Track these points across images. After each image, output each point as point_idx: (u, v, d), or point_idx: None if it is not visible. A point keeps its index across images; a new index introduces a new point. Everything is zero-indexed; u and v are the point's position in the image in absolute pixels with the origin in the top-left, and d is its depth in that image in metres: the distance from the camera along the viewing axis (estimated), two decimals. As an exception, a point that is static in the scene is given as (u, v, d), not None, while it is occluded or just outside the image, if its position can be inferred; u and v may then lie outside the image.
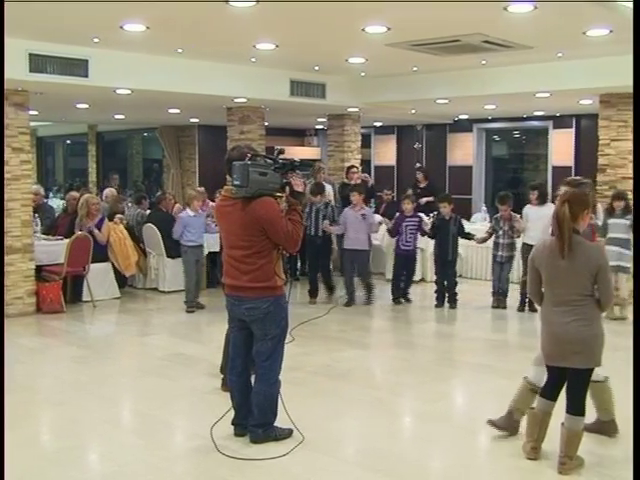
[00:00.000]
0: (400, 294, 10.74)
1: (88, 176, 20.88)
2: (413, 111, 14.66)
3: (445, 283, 10.51)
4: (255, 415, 5.24)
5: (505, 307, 10.28)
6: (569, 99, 12.14)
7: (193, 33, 8.40)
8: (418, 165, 17.13)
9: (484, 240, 10.40)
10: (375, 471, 4.86)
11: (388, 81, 11.99)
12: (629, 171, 10.59)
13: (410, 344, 8.67)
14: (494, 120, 16.99)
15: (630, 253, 9.44)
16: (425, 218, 11.18)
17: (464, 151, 17.54)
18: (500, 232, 10.14)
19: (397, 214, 10.95)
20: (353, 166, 13.09)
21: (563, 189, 5.30)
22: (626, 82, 9.78)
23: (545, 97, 11.46)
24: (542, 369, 5.09)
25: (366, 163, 17.42)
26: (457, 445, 5.38)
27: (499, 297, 10.38)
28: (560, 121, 15.80)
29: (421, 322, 9.98)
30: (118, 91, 10.30)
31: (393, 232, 10.73)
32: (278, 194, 5.00)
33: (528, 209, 10.08)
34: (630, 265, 9.55)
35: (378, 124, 18.16)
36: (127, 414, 6.36)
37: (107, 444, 5.42)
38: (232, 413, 5.41)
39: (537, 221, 9.73)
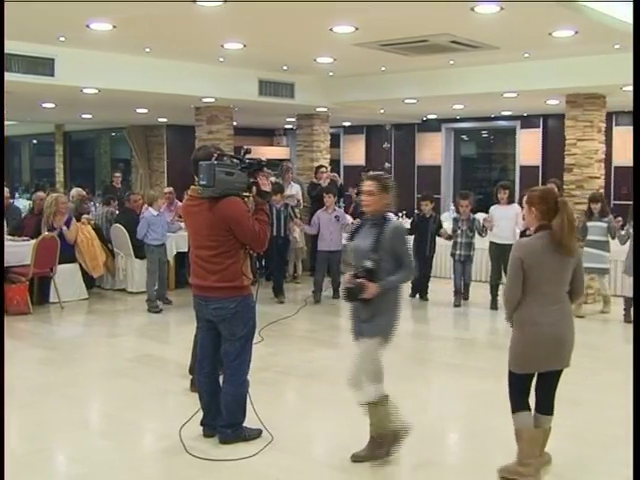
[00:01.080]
0: None
1: (55, 176, 20.70)
2: (382, 111, 14.70)
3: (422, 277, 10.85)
4: (224, 416, 5.24)
5: (467, 298, 10.63)
6: (536, 99, 12.23)
7: (161, 32, 8.35)
8: (386, 165, 17.20)
9: (449, 237, 10.71)
10: (344, 470, 4.87)
11: (357, 81, 12.00)
12: (595, 170, 10.71)
13: (379, 343, 8.68)
14: (462, 120, 17.08)
15: (608, 255, 9.67)
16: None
17: (433, 151, 17.61)
18: (459, 232, 10.52)
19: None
20: (322, 166, 13.10)
21: (368, 183, 4.89)
22: (592, 82, 9.95)
23: (512, 97, 11.54)
24: (381, 385, 5.00)
25: (335, 163, 17.44)
26: (424, 444, 5.39)
27: (461, 295, 10.72)
28: (527, 121, 15.93)
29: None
30: (85, 90, 10.21)
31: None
32: (245, 194, 5.00)
33: (494, 209, 10.38)
34: (609, 266, 9.78)
35: (347, 124, 18.18)
36: (95, 416, 6.32)
37: (75, 446, 5.38)
38: (201, 414, 5.39)
39: (503, 220, 10.06)
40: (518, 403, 4.72)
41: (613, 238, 9.75)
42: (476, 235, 10.58)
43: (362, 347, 4.92)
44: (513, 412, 4.73)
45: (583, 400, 6.22)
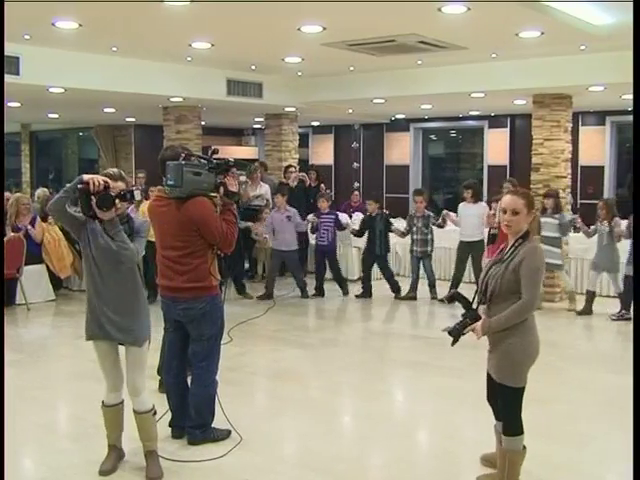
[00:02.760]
0: (322, 288, 11.15)
1: (22, 176, 20.49)
2: (350, 110, 14.73)
3: (380, 276, 11.15)
4: (192, 416, 5.22)
5: (435, 297, 10.73)
6: (503, 99, 12.32)
7: (127, 31, 8.30)
8: (354, 165, 17.19)
9: (403, 234, 10.96)
10: (313, 470, 4.86)
11: (325, 81, 12.02)
12: (562, 170, 10.81)
13: (348, 343, 8.69)
14: (431, 119, 17.16)
15: (560, 251, 9.78)
16: (345, 217, 12.03)
17: (401, 150, 17.68)
18: (414, 229, 10.72)
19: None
20: (291, 166, 13.08)
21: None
22: (558, 83, 10.05)
23: (480, 97, 11.62)
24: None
25: (304, 162, 17.44)
26: (395, 443, 5.41)
27: (415, 289, 10.88)
28: (495, 121, 16.04)
29: (359, 321, 10.04)
30: (51, 89, 10.12)
31: (313, 228, 11.15)
32: (212, 194, 4.97)
33: (462, 206, 10.68)
34: (561, 262, 9.88)
35: (316, 123, 18.19)
36: (61, 418, 6.26)
37: (40, 449, 5.34)
38: (169, 415, 5.37)
39: (468, 218, 10.30)
40: (521, 424, 4.36)
41: (564, 235, 9.88)
42: (435, 231, 10.78)
43: (133, 354, 4.67)
44: (516, 435, 4.34)
45: (551, 398, 6.27)
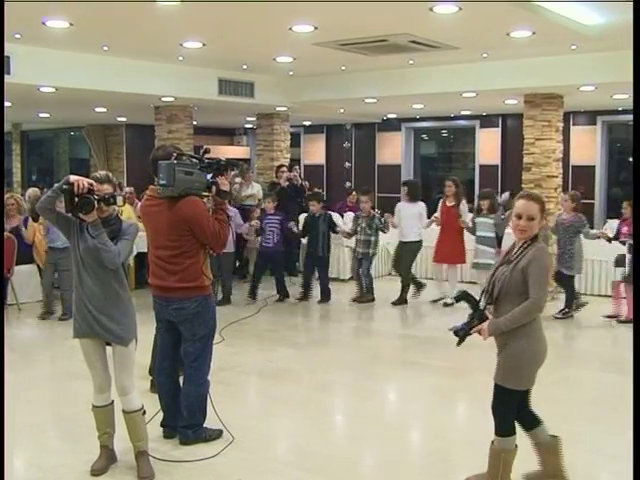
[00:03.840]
0: (256, 292, 10.63)
1: (12, 176, 20.44)
2: (342, 110, 14.74)
3: (318, 277, 10.78)
4: (184, 416, 5.21)
5: (373, 300, 10.57)
6: (495, 99, 12.35)
7: (119, 31, 8.28)
8: (346, 165, 17.17)
9: (349, 235, 10.75)
10: (306, 470, 4.86)
11: (316, 80, 12.02)
12: (553, 170, 10.84)
13: (340, 342, 8.70)
14: (422, 119, 17.18)
15: (494, 250, 9.70)
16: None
17: (393, 150, 17.70)
18: (358, 229, 10.52)
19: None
20: (282, 165, 13.10)
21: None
22: (549, 83, 10.08)
23: (471, 97, 11.64)
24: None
25: (295, 162, 17.45)
26: (387, 443, 5.41)
27: (361, 291, 10.66)
28: (487, 120, 16.08)
29: (350, 321, 10.03)
30: (42, 89, 10.10)
31: (258, 231, 10.71)
32: (204, 193, 4.97)
33: (400, 205, 10.60)
34: (494, 262, 9.87)
35: (307, 123, 18.19)
36: (52, 418, 6.23)
37: (32, 449, 5.32)
38: (161, 415, 5.36)
39: (406, 218, 10.23)
40: (513, 426, 4.36)
41: (500, 233, 9.85)
42: (379, 233, 10.52)
43: (121, 354, 4.68)
44: (508, 435, 4.32)
45: (545, 397, 6.27)
